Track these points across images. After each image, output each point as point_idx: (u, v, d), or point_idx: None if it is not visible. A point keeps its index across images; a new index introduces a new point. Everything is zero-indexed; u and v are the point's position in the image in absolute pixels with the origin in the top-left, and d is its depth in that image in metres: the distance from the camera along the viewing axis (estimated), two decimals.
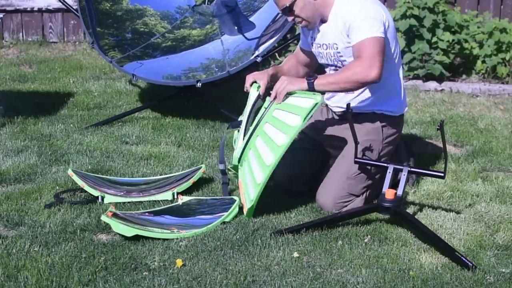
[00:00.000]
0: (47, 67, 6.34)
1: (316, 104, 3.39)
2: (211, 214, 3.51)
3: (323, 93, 3.52)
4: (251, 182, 3.49)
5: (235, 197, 3.60)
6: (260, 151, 3.51)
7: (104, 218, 3.30)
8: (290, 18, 3.66)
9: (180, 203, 3.65)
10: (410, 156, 3.98)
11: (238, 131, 3.72)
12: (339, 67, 3.67)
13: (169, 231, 3.32)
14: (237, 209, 3.51)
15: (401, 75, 3.72)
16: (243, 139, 3.61)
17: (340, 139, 3.69)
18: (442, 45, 5.94)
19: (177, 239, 3.27)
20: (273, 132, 3.49)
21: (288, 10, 3.60)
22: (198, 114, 5.07)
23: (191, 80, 4.91)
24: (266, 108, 3.59)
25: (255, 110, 3.69)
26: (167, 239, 3.25)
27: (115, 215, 3.35)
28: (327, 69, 3.79)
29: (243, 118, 3.70)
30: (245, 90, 3.74)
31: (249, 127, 3.62)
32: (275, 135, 3.47)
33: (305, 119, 3.39)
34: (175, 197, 3.72)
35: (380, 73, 3.45)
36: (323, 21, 3.65)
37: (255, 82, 3.71)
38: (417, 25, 5.88)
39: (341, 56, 3.63)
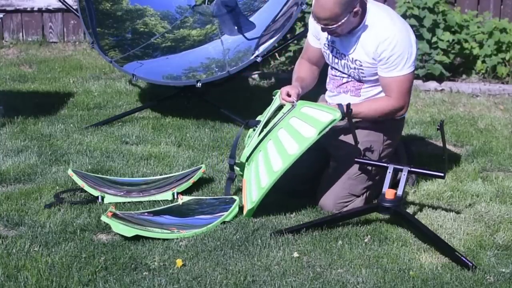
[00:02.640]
0: (47, 67, 6.33)
1: (334, 120, 3.40)
2: (211, 214, 3.51)
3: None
4: (256, 184, 3.49)
5: (235, 197, 3.60)
6: (270, 155, 3.50)
7: (104, 218, 3.30)
8: (325, 31, 3.57)
9: (180, 203, 3.65)
10: (410, 159, 3.98)
11: (254, 130, 3.72)
12: (352, 77, 3.66)
13: (169, 231, 3.32)
14: (237, 209, 3.51)
15: None
16: (257, 139, 3.61)
17: (340, 139, 3.69)
18: (442, 45, 5.94)
19: (177, 239, 3.27)
20: (286, 139, 3.48)
21: (331, 29, 3.51)
22: (198, 114, 5.07)
23: (191, 80, 4.91)
24: (284, 114, 3.58)
25: (273, 113, 3.68)
26: (167, 239, 3.25)
27: (115, 215, 3.35)
28: (333, 71, 3.77)
29: (262, 118, 3.70)
30: (282, 101, 3.64)
31: (264, 129, 3.61)
32: (287, 142, 3.47)
33: (320, 132, 3.39)
34: (175, 197, 3.73)
35: (407, 109, 3.65)
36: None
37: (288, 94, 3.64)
38: (417, 25, 5.88)
39: (362, 72, 3.62)
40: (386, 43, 3.50)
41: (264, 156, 3.53)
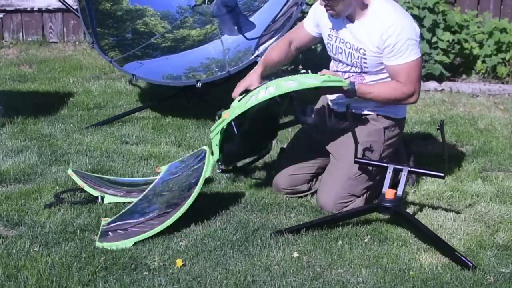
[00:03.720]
0: (47, 67, 6.33)
1: (341, 82, 3.44)
2: (188, 185, 3.47)
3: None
4: (245, 100, 3.49)
5: (204, 148, 3.61)
6: (261, 90, 3.49)
7: (98, 244, 3.19)
8: (323, 3, 3.57)
9: (159, 179, 3.67)
10: (410, 155, 3.98)
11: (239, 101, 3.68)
12: (355, 68, 3.66)
13: (164, 218, 3.29)
14: (210, 158, 3.49)
15: None
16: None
17: (341, 139, 3.69)
18: (442, 45, 5.94)
19: (177, 239, 3.26)
20: (284, 80, 3.48)
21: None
22: (198, 114, 5.06)
23: (191, 80, 4.91)
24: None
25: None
26: (167, 240, 3.25)
27: (106, 238, 3.26)
28: (334, 66, 3.77)
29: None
30: (232, 96, 3.70)
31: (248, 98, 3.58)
32: (285, 82, 3.46)
33: (324, 82, 3.40)
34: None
35: (418, 96, 3.61)
36: (349, 18, 3.61)
37: (247, 90, 3.65)
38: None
39: (365, 61, 3.62)
40: (391, 29, 3.50)
41: (255, 92, 3.52)
